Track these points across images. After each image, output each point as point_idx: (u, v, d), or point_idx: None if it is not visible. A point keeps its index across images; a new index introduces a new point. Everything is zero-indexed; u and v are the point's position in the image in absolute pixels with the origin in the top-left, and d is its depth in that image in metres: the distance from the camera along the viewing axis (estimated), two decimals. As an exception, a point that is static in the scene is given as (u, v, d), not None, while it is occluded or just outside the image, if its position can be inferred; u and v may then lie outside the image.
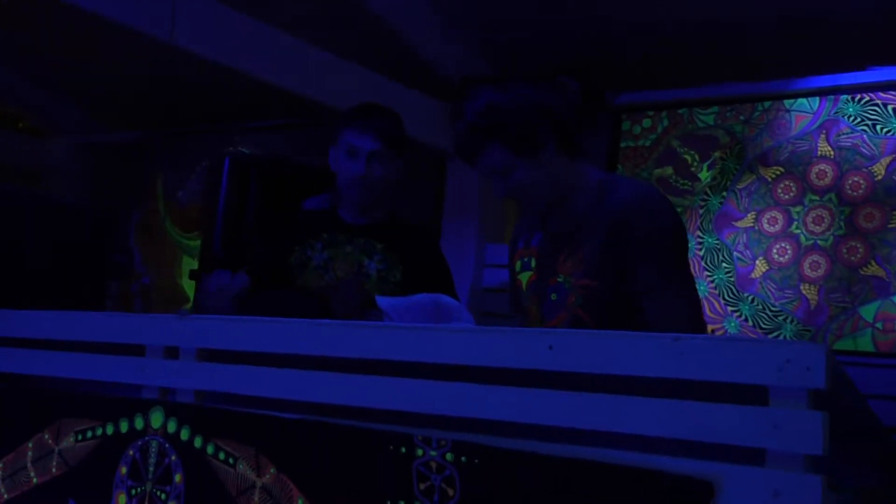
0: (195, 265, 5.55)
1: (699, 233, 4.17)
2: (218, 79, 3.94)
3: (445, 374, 1.27)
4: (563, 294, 2.04)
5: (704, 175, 4.25)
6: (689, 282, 2.04)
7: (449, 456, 1.23)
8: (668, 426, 1.09)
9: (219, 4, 3.55)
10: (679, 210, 4.11)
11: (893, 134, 3.88)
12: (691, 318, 1.98)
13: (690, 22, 4.00)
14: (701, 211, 4.20)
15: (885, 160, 3.89)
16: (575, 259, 2.03)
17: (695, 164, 4.20)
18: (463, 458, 1.22)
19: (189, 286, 5.47)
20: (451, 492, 1.23)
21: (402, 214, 2.83)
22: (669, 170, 4.29)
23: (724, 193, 4.17)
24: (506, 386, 1.21)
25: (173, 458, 1.55)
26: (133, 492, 1.60)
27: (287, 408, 1.44)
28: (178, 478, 1.55)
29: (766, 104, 4.16)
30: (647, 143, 4.37)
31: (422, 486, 1.26)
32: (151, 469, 1.58)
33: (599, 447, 1.13)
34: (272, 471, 1.41)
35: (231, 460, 1.47)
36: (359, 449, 1.32)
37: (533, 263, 2.16)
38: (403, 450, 1.26)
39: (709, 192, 4.22)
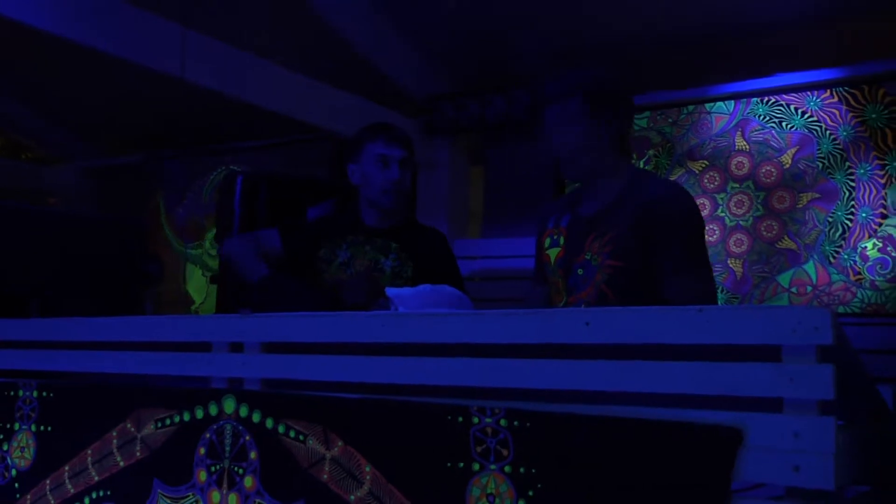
0: (198, 272, 5.48)
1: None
2: (213, 105, 3.91)
3: (496, 353, 1.28)
4: (591, 271, 2.05)
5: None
6: (708, 268, 2.04)
7: (503, 422, 1.24)
8: (697, 384, 1.11)
9: (218, 41, 3.51)
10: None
11: (796, 129, 3.97)
12: (708, 299, 1.99)
13: (624, 39, 4.06)
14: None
15: (791, 151, 3.97)
16: (603, 241, 2.04)
17: (633, 161, 4.24)
18: (515, 423, 1.23)
19: (196, 292, 5.41)
20: (505, 452, 1.24)
21: (416, 218, 2.81)
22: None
23: (659, 185, 4.22)
24: (550, 359, 1.22)
25: (247, 438, 1.54)
26: (213, 469, 1.58)
27: (347, 389, 1.44)
28: (252, 455, 1.54)
29: (690, 108, 4.23)
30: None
31: (479, 449, 1.26)
32: (228, 449, 1.56)
33: (637, 406, 1.15)
34: (340, 444, 1.41)
35: (301, 437, 1.47)
36: (419, 420, 1.32)
37: (562, 241, 2.16)
38: (461, 419, 1.27)
39: (645, 185, 4.26)
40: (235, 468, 1.55)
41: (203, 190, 5.51)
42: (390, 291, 2.08)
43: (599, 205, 2.10)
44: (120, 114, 5.37)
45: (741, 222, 4.04)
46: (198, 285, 5.52)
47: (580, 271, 2.07)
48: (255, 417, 1.53)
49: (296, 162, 5.13)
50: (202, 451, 1.61)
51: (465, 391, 1.30)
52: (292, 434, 1.48)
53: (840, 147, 3.85)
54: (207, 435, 1.61)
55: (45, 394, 1.94)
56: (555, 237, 2.19)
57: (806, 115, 3.95)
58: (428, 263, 2.54)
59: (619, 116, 2.10)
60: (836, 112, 3.89)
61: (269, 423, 1.51)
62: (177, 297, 5.59)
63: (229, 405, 1.57)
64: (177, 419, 1.66)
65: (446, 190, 4.76)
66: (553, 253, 2.18)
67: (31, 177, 6.20)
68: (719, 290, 3.98)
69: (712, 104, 4.19)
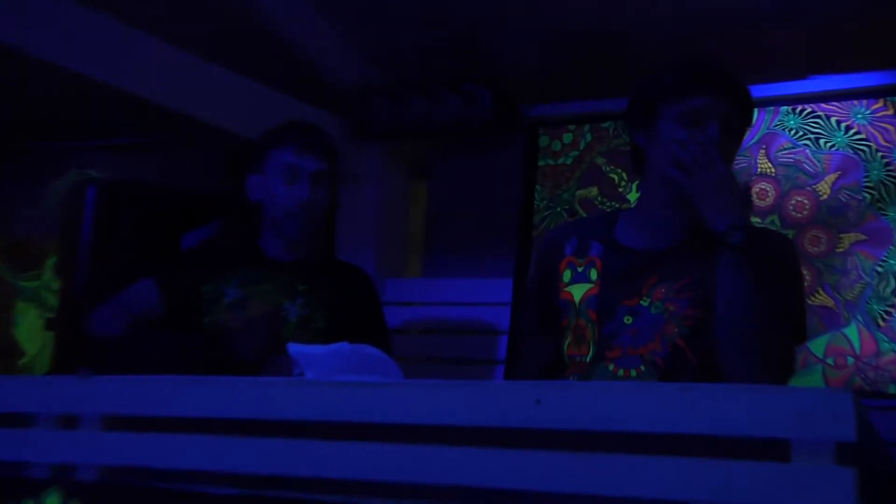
0: (32, 313, 5.39)
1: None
2: (66, 87, 3.85)
3: (412, 436, 1.28)
4: (650, 320, 2.14)
5: (633, 196, 4.34)
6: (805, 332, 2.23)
7: (424, 531, 1.24)
8: (677, 488, 1.12)
9: (75, 6, 3.48)
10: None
11: (838, 149, 4.02)
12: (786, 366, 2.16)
13: (616, 25, 4.10)
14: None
15: (830, 178, 4.01)
16: (675, 285, 2.16)
17: (623, 183, 4.31)
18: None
19: (28, 340, 5.30)
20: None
21: (334, 250, 2.81)
22: (594, 190, 4.39)
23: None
24: (488, 448, 1.22)
25: (77, 549, 1.51)
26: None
27: (221, 483, 1.42)
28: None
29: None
30: (569, 161, 4.46)
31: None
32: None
33: (599, 514, 1.15)
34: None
35: (152, 547, 1.45)
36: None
37: (594, 275, 2.24)
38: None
39: (639, 215, 4.29)
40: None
41: (46, 201, 5.43)
42: (293, 349, 2.09)
43: (669, 240, 2.24)
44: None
45: (763, 269, 4.08)
46: (31, 330, 5.42)
47: (628, 319, 2.16)
48: (88, 518, 1.51)
49: (179, 169, 5.08)
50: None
51: (380, 488, 1.30)
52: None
53: (895, 174, 3.91)
54: (22, 544, 1.58)
55: None
56: (580, 269, 2.27)
57: (851, 132, 4.01)
58: (345, 313, 2.56)
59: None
60: (892, 128, 3.92)
61: (109, 526, 1.48)
62: (2, 346, 5.47)
63: (52, 502, 1.54)
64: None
65: (377, 212, 4.75)
66: (579, 290, 2.26)
67: None
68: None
69: (729, 113, 4.25)
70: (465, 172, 4.80)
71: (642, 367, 2.13)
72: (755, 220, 4.08)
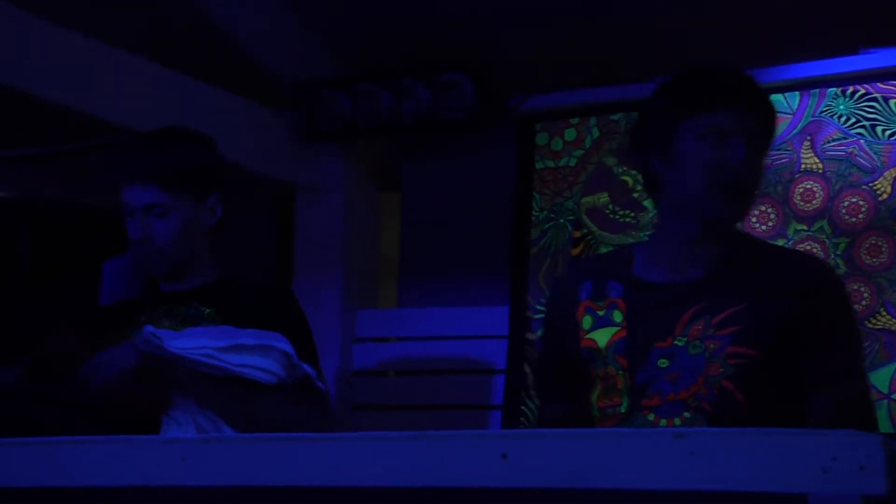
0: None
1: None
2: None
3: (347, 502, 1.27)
4: (689, 362, 2.23)
5: (651, 202, 4.32)
6: (867, 385, 2.34)
7: None
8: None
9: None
10: (619, 251, 4.20)
11: None
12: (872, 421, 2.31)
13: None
14: (649, 251, 4.24)
15: (890, 173, 3.99)
16: (715, 319, 2.24)
17: (638, 187, 4.28)
18: None
19: None
20: None
21: (235, 270, 2.88)
22: (604, 197, 4.38)
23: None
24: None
25: None
26: None
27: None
28: None
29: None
30: (572, 163, 4.45)
31: None
32: None
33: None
34: None
35: None
36: None
37: (618, 318, 2.32)
38: None
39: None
40: None
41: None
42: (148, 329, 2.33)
43: (698, 270, 2.34)
44: None
45: (811, 285, 4.07)
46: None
47: (663, 362, 2.25)
48: None
49: (87, 182, 5.07)
50: None
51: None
52: None
53: None
54: None
55: None
56: (600, 314, 2.35)
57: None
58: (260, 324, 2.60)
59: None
60: None
61: None
62: None
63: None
64: None
65: (341, 229, 4.74)
66: (603, 336, 2.33)
67: None
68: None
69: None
70: (446, 179, 4.80)
71: (686, 414, 2.22)
72: (801, 227, 4.08)
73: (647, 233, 4.26)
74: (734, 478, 1.11)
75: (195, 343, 2.44)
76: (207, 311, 2.71)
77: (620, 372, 2.28)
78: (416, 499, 1.25)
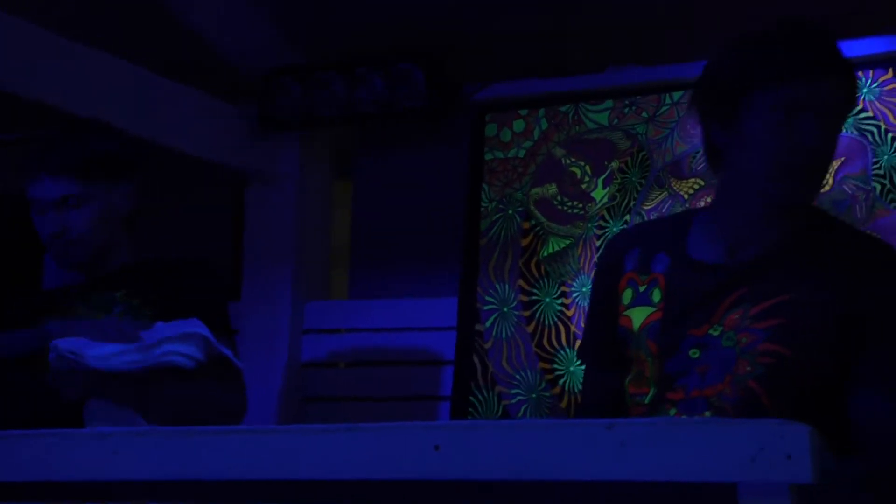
0: None
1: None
2: None
3: (281, 494, 1.26)
4: (721, 355, 2.06)
5: (599, 193, 4.32)
6: None
7: None
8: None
9: None
10: (569, 242, 4.18)
11: (845, 132, 4.01)
12: None
13: None
14: (598, 242, 4.25)
15: (834, 164, 4.00)
16: (754, 309, 2.05)
17: (586, 178, 4.29)
18: None
19: None
20: None
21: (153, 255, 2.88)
22: (552, 188, 4.36)
23: (628, 217, 4.22)
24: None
25: None
26: None
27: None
28: None
29: (676, 95, 4.24)
30: (521, 154, 4.43)
31: None
32: None
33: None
34: None
35: None
36: None
37: (657, 297, 2.16)
38: None
39: (607, 216, 4.27)
40: None
41: None
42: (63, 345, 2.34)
43: (751, 252, 2.13)
44: None
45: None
46: None
47: (694, 353, 2.08)
48: None
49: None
50: None
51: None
52: None
53: None
54: None
55: None
56: (641, 289, 2.19)
57: (856, 110, 4.02)
58: (172, 309, 2.60)
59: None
60: None
61: None
62: None
63: None
64: None
65: (293, 218, 4.71)
66: (639, 315, 2.18)
67: None
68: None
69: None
70: (398, 169, 4.78)
71: (707, 414, 2.04)
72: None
73: (596, 223, 4.26)
74: (664, 468, 1.11)
75: (113, 349, 2.44)
76: (118, 294, 2.71)
77: (650, 358, 2.13)
78: (351, 491, 1.23)
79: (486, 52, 4.38)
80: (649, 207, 4.21)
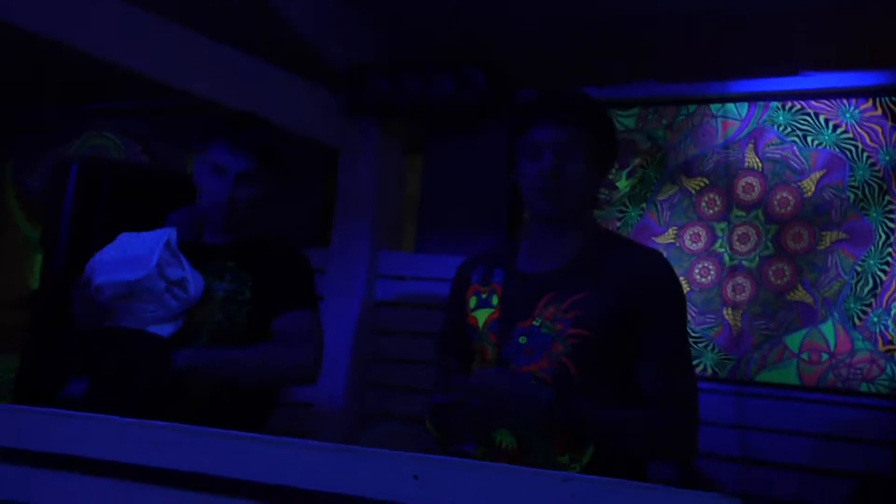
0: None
1: (615, 247, 4.09)
2: (77, 56, 3.70)
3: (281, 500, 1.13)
4: (541, 340, 2.14)
5: (623, 184, 4.19)
6: (691, 358, 2.19)
7: None
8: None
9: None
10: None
11: (825, 147, 3.89)
12: (691, 398, 2.17)
13: (612, 13, 3.95)
14: (619, 223, 4.16)
15: (816, 175, 3.88)
16: (563, 305, 2.13)
17: (613, 170, 4.10)
18: None
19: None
20: None
21: (271, 231, 2.74)
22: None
23: (644, 205, 4.13)
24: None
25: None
26: None
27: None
28: None
29: (692, 108, 4.13)
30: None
31: None
32: None
33: None
34: None
35: None
36: None
37: (495, 301, 2.24)
38: None
39: (627, 202, 4.17)
40: None
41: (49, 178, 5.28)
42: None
43: (557, 262, 2.21)
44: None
45: (744, 262, 3.94)
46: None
47: (522, 339, 2.15)
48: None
49: (174, 136, 4.95)
50: None
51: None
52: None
53: (879, 175, 3.77)
54: None
55: None
56: (483, 296, 2.27)
57: (839, 130, 3.86)
58: (270, 279, 2.57)
59: (612, 162, 2.29)
60: (879, 129, 3.81)
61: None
62: (18, 292, 5.35)
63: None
64: None
65: (373, 184, 4.64)
66: (482, 315, 2.25)
67: None
68: (708, 347, 3.88)
69: (720, 106, 4.09)
70: (461, 150, 4.70)
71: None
72: (741, 213, 3.92)
73: (618, 208, 4.13)
74: None
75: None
76: (230, 264, 2.57)
77: (491, 346, 2.20)
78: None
79: (535, 62, 4.23)
80: (662, 199, 4.12)
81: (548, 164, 2.11)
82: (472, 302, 2.27)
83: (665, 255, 2.33)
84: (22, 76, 5.33)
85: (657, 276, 2.18)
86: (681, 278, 3.95)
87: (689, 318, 2.19)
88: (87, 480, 1.32)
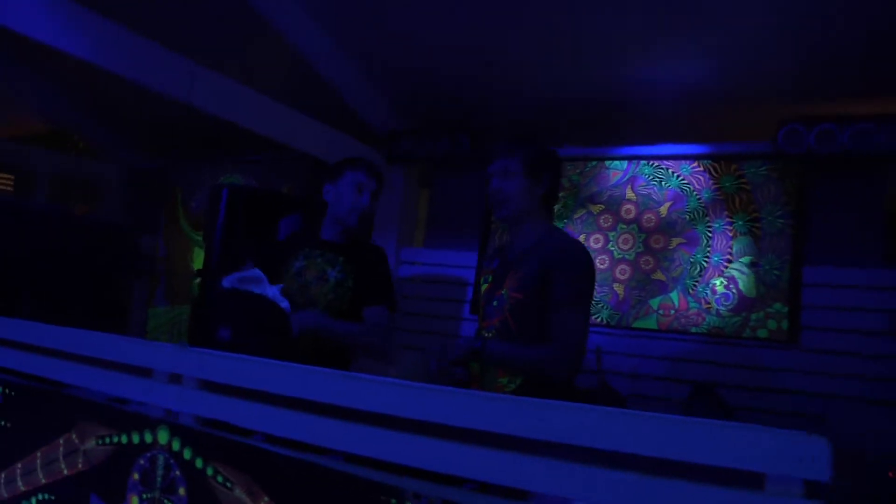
0: (202, 254, 4.96)
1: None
2: (218, 124, 3.38)
3: (435, 432, 0.86)
4: (502, 302, 1.95)
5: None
6: (587, 311, 1.91)
7: (438, 511, 0.83)
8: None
9: (219, 74, 2.99)
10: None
11: (672, 188, 3.77)
12: (580, 332, 1.85)
13: (547, 101, 3.83)
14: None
15: (667, 205, 3.76)
16: (514, 278, 1.96)
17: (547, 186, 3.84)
18: (449, 513, 0.82)
19: (199, 264, 4.86)
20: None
21: (366, 238, 2.44)
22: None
23: (566, 220, 3.88)
24: (494, 449, 0.80)
25: (177, 473, 1.11)
26: (144, 496, 1.13)
27: (280, 444, 0.99)
28: (182, 490, 1.11)
29: (594, 163, 3.93)
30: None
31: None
32: (159, 480, 1.13)
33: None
34: (266, 499, 0.97)
35: (228, 484, 1.04)
36: (350, 494, 0.89)
37: (490, 279, 2.08)
38: (394, 502, 0.84)
39: (556, 220, 3.88)
40: (166, 501, 1.08)
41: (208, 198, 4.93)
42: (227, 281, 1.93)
43: (519, 250, 2.04)
44: (146, 124, 4.76)
45: (626, 256, 3.74)
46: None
47: (495, 303, 2.01)
48: (187, 454, 1.10)
49: (277, 174, 4.63)
50: (136, 476, 1.17)
51: (396, 469, 0.87)
52: (220, 479, 1.04)
53: (703, 205, 3.64)
54: (142, 461, 1.16)
55: (7, 391, 1.44)
56: (487, 277, 2.13)
57: (680, 178, 3.69)
58: (366, 275, 2.31)
59: (546, 180, 2.00)
60: (702, 178, 3.69)
61: (199, 462, 1.07)
62: (185, 270, 5.05)
63: (163, 436, 1.13)
64: (115, 440, 1.22)
65: (399, 207, 4.40)
66: (484, 288, 2.12)
67: (76, 168, 5.49)
68: (603, 308, 3.64)
69: (611, 161, 3.93)
70: (453, 185, 4.43)
71: (492, 333, 1.91)
72: (623, 226, 3.70)
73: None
74: (722, 454, 0.70)
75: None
76: (341, 258, 2.23)
77: (482, 308, 1.98)
78: (474, 437, 0.84)
79: (504, 130, 4.06)
80: (577, 217, 4.05)
81: (494, 187, 1.92)
82: (482, 280, 2.13)
83: (579, 241, 1.97)
84: (182, 137, 5.01)
85: (569, 252, 1.92)
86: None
87: (593, 288, 1.82)
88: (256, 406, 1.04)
